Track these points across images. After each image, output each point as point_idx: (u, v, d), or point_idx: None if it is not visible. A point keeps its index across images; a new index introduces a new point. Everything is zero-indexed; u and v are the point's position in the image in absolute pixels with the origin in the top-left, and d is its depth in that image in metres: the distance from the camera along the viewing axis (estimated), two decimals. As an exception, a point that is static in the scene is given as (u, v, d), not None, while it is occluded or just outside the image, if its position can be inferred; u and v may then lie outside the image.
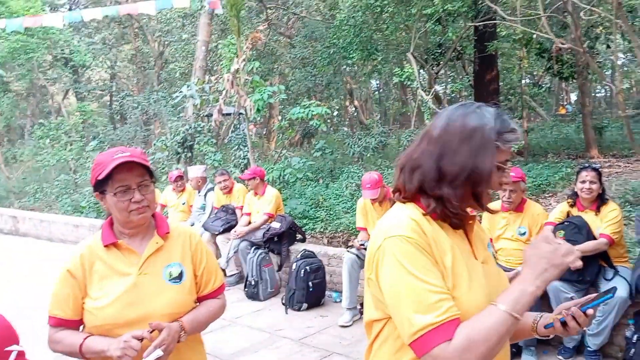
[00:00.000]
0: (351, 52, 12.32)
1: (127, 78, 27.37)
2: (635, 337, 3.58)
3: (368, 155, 11.86)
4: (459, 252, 1.30)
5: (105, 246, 1.80)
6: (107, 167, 1.69)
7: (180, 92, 8.45)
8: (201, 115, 11.92)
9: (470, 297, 1.24)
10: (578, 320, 1.26)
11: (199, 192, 7.27)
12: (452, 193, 1.29)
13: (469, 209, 1.38)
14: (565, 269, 1.22)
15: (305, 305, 5.34)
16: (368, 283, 1.36)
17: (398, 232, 1.26)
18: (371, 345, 1.41)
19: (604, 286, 3.75)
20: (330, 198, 9.30)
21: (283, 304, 5.48)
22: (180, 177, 7.46)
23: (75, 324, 1.80)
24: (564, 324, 1.28)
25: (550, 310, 3.80)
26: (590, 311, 1.26)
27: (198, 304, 1.93)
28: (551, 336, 1.35)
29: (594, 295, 1.35)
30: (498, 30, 12.23)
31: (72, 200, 12.57)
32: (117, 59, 25.65)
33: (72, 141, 15.21)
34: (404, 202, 1.38)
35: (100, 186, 1.75)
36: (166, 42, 21.78)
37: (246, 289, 5.92)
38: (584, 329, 1.28)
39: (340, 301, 5.18)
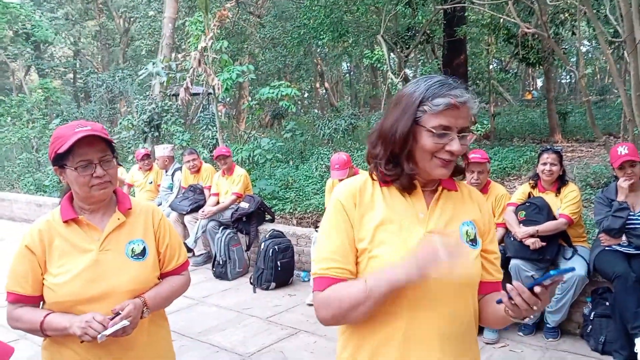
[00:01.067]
0: (322, 33, 12.26)
1: (92, 55, 26.67)
2: (592, 315, 3.71)
3: (338, 137, 11.89)
4: (396, 217, 1.38)
5: (65, 222, 1.76)
6: (67, 141, 1.65)
7: (146, 69, 8.27)
8: (168, 94, 11.71)
9: (392, 257, 1.32)
10: (523, 297, 1.22)
11: (166, 171, 7.17)
12: (380, 153, 1.40)
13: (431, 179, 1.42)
14: (421, 271, 1.24)
15: (273, 285, 5.37)
16: None
17: (336, 194, 1.44)
18: None
19: (563, 265, 3.88)
20: (300, 179, 9.32)
21: (251, 283, 5.49)
22: (147, 156, 7.34)
23: (34, 301, 1.76)
24: (511, 299, 1.25)
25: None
26: (537, 288, 1.21)
27: (161, 280, 1.91)
28: (527, 319, 1.34)
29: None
30: (467, 14, 12.32)
31: (35, 179, 12.26)
32: (81, 35, 24.96)
33: (34, 119, 14.78)
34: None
35: (60, 160, 1.71)
36: (132, 19, 21.28)
37: (214, 269, 5.90)
38: (535, 308, 1.23)
39: (309, 280, 5.22)
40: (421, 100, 1.32)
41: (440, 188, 1.44)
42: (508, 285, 1.26)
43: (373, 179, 1.44)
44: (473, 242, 1.43)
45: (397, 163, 1.38)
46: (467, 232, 1.43)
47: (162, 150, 7.11)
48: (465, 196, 1.50)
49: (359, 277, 1.37)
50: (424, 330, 1.35)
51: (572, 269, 1.31)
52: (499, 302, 1.30)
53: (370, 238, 1.36)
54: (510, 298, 1.25)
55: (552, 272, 1.21)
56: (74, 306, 1.69)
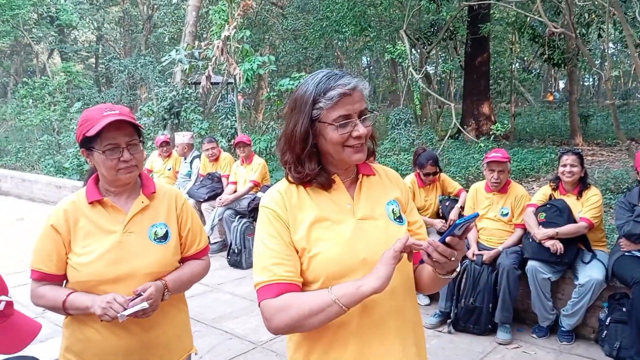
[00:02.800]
0: (344, 26, 12.22)
1: (114, 41, 26.87)
2: (608, 320, 3.67)
3: (356, 131, 11.84)
4: (326, 214, 1.41)
5: (90, 203, 1.79)
6: (96, 124, 1.67)
7: (169, 55, 8.32)
8: (189, 82, 11.77)
9: (331, 252, 1.36)
10: (438, 251, 1.26)
11: (184, 159, 7.23)
12: (290, 158, 1.42)
13: (340, 170, 1.46)
14: (387, 261, 1.27)
15: (287, 275, 5.38)
16: None
17: (262, 202, 1.45)
18: None
19: (581, 269, 3.84)
20: (316, 172, 9.31)
21: (265, 273, 5.51)
22: (166, 143, 7.39)
23: (58, 279, 1.79)
24: (430, 257, 1.29)
25: (529, 289, 3.90)
26: (448, 239, 1.25)
27: (181, 264, 1.94)
28: (453, 274, 1.36)
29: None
30: (492, 12, 12.19)
31: (55, 162, 12.41)
32: (105, 20, 25.14)
33: (56, 102, 14.95)
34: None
35: (88, 143, 1.73)
36: (155, 6, 21.36)
37: (229, 257, 5.95)
38: (453, 259, 1.27)
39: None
40: (314, 98, 1.36)
41: (360, 176, 1.49)
42: (423, 244, 1.30)
43: (291, 182, 1.45)
44: (399, 219, 1.49)
45: (302, 164, 1.41)
46: (392, 210, 1.49)
47: (182, 138, 7.15)
48: (383, 178, 1.55)
49: (306, 278, 1.38)
50: (376, 311, 1.38)
51: (477, 215, 1.34)
52: (421, 262, 1.38)
53: (306, 237, 1.38)
54: (429, 256, 1.29)
55: (458, 221, 1.24)
56: (97, 286, 1.73)
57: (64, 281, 1.82)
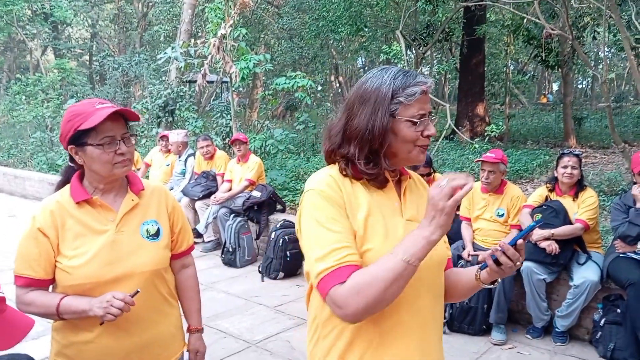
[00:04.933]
0: (340, 26, 12.20)
1: (108, 38, 26.74)
2: (602, 321, 3.68)
3: (350, 131, 11.83)
4: (378, 210, 1.36)
5: (77, 203, 1.72)
6: (91, 117, 1.62)
7: (165, 53, 8.28)
8: (184, 80, 11.73)
9: (383, 250, 1.28)
10: (508, 254, 1.27)
11: (179, 157, 7.20)
12: (355, 152, 1.36)
13: (394, 169, 1.44)
14: (451, 212, 1.21)
15: (281, 274, 5.37)
16: (298, 236, 1.42)
17: (313, 185, 1.36)
18: (309, 293, 1.49)
19: (576, 270, 3.85)
20: (310, 171, 9.30)
21: (260, 272, 5.50)
22: (166, 137, 7.38)
23: (46, 284, 1.72)
24: (496, 261, 1.30)
25: (523, 290, 3.90)
26: (520, 242, 1.26)
27: (187, 293, 2.01)
28: (496, 284, 1.38)
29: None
30: (487, 14, 12.22)
31: (48, 159, 12.32)
32: (99, 17, 24.99)
33: (49, 98, 14.83)
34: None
35: (79, 138, 1.67)
36: (150, 3, 21.28)
37: (223, 256, 5.92)
38: (517, 264, 1.28)
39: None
40: (393, 93, 1.33)
41: (404, 177, 1.48)
42: (493, 247, 1.31)
43: (344, 175, 1.39)
44: None
45: (377, 160, 1.36)
46: None
47: (176, 136, 7.12)
48: (417, 183, 1.54)
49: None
50: (421, 316, 1.37)
51: (542, 220, 1.37)
52: (484, 267, 1.36)
53: (363, 228, 1.32)
54: (495, 260, 1.29)
55: (531, 225, 1.27)
56: (95, 288, 1.67)
57: (51, 286, 1.75)
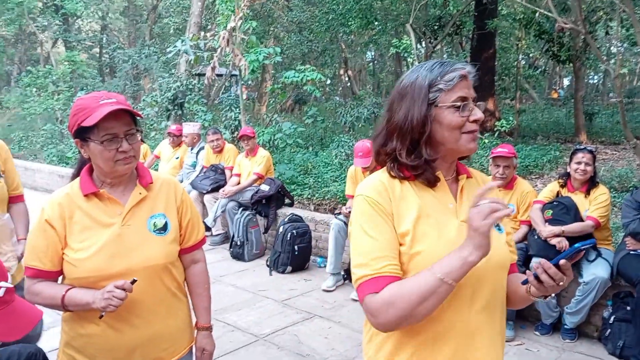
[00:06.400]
0: (349, 19, 12.15)
1: (119, 31, 26.80)
2: (612, 318, 3.66)
3: (359, 125, 11.81)
4: (430, 211, 1.34)
5: (85, 195, 1.72)
6: (93, 114, 1.61)
7: (175, 46, 8.28)
8: (193, 73, 11.73)
9: (435, 252, 1.28)
10: (549, 273, 1.24)
11: (191, 149, 7.23)
12: (397, 145, 1.37)
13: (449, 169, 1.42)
14: (487, 231, 1.19)
15: (289, 268, 5.38)
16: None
17: (361, 191, 1.37)
18: None
19: (586, 267, 3.82)
20: (319, 165, 9.29)
21: (267, 265, 5.51)
22: (173, 134, 7.43)
23: (53, 276, 1.72)
24: (537, 278, 1.26)
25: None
26: (562, 262, 1.22)
27: (198, 290, 2.00)
28: (548, 298, 1.33)
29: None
30: (499, 8, 12.11)
31: (58, 151, 12.40)
32: (109, 10, 25.04)
33: (59, 91, 14.91)
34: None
35: (83, 133, 1.66)
36: (160, -4, 21.26)
37: (231, 249, 5.94)
38: (561, 284, 1.24)
39: (325, 266, 5.22)
40: (430, 82, 1.33)
41: (461, 176, 1.44)
42: (534, 263, 1.27)
43: (392, 176, 1.38)
44: (498, 226, 1.43)
45: (419, 151, 1.35)
46: None
47: (191, 128, 7.16)
48: (480, 182, 1.50)
49: (405, 274, 1.31)
50: (478, 320, 1.33)
51: (594, 241, 1.32)
52: (525, 282, 1.31)
53: (412, 232, 1.31)
54: (536, 277, 1.26)
55: (577, 245, 1.21)
56: (98, 282, 1.66)
57: (60, 277, 1.76)
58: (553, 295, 1.31)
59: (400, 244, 1.32)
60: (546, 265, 1.23)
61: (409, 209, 1.33)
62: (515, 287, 1.43)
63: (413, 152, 1.35)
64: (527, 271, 1.29)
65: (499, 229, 1.43)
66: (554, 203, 3.98)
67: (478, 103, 1.36)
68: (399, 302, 1.23)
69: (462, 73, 1.33)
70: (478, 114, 1.34)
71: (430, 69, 1.35)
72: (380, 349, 1.40)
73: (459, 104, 1.32)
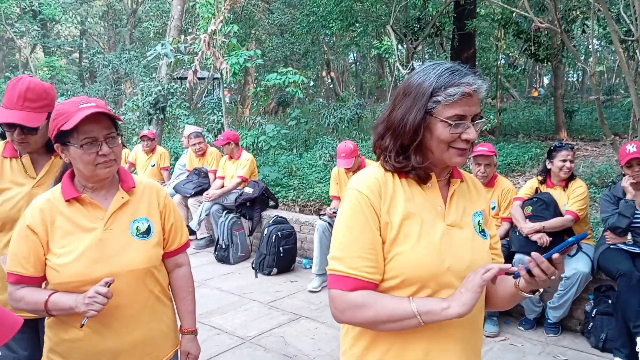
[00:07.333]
0: (330, 21, 12.19)
1: (98, 35, 26.57)
2: (594, 312, 3.71)
3: (343, 126, 11.85)
4: (418, 211, 1.34)
5: (67, 200, 1.71)
6: (72, 118, 1.60)
7: (155, 49, 8.23)
8: (175, 77, 11.66)
9: (415, 253, 1.30)
10: (542, 267, 1.23)
11: (187, 150, 7.25)
12: (389, 145, 1.37)
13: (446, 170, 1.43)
14: (475, 289, 1.25)
15: (275, 270, 5.38)
16: None
17: (355, 185, 1.36)
18: None
19: (567, 262, 3.87)
20: (303, 167, 9.31)
21: (253, 268, 5.50)
22: (148, 137, 7.28)
23: (37, 281, 1.72)
24: (529, 272, 1.26)
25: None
26: (555, 256, 1.22)
27: (182, 294, 1.98)
28: (537, 294, 1.32)
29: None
30: (478, 9, 12.24)
31: (38, 157, 12.24)
32: (88, 14, 24.81)
33: (39, 97, 14.71)
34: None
35: (63, 137, 1.66)
36: (140, 0, 21.13)
37: (216, 253, 5.92)
38: (552, 277, 1.24)
39: (310, 267, 5.23)
40: (433, 90, 1.30)
41: (454, 180, 1.44)
42: (526, 257, 1.27)
43: (386, 170, 1.39)
44: (483, 232, 1.44)
45: (407, 156, 1.36)
46: (479, 222, 1.44)
47: (191, 129, 7.18)
48: (471, 186, 1.50)
49: (385, 275, 1.33)
50: (450, 321, 1.33)
51: (586, 234, 1.34)
52: (517, 276, 1.31)
53: (397, 231, 1.32)
54: (528, 271, 1.26)
55: (570, 239, 1.22)
56: (81, 287, 1.65)
57: (44, 283, 1.75)
58: (541, 290, 1.31)
59: (383, 242, 1.33)
60: (539, 259, 1.23)
61: (398, 209, 1.34)
62: (502, 288, 1.43)
63: (401, 154, 1.36)
64: (520, 265, 1.29)
65: (484, 235, 1.44)
66: (533, 199, 4.04)
67: (477, 121, 1.33)
68: (367, 310, 1.28)
69: (466, 91, 1.28)
70: (471, 134, 1.31)
71: (440, 74, 1.31)
72: (355, 344, 1.41)
73: (452, 122, 1.30)
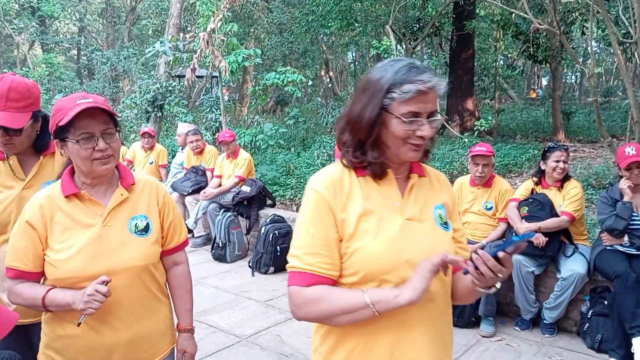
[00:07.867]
0: (330, 21, 12.16)
1: (97, 32, 26.50)
2: (590, 313, 3.72)
3: (341, 126, 11.82)
4: (375, 208, 1.37)
5: (66, 197, 1.72)
6: (69, 113, 1.61)
7: (153, 47, 8.22)
8: (173, 75, 11.65)
9: (372, 249, 1.32)
10: (488, 265, 1.24)
11: (182, 149, 7.23)
12: (348, 140, 1.40)
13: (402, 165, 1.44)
14: (425, 275, 1.26)
15: (272, 269, 5.38)
16: None
17: (312, 184, 1.40)
18: None
19: (563, 262, 3.89)
20: (301, 166, 9.30)
21: (250, 266, 5.50)
22: (149, 135, 7.31)
23: (35, 277, 1.72)
24: (477, 268, 1.27)
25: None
26: (501, 254, 1.22)
27: (180, 292, 1.99)
28: (493, 290, 1.32)
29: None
30: (477, 9, 12.25)
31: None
32: (87, 11, 24.76)
33: (37, 93, 14.69)
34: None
35: (61, 133, 1.66)
36: (139, -3, 21.10)
37: (213, 251, 5.92)
38: (500, 275, 1.25)
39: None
40: (389, 87, 1.32)
41: (412, 175, 1.46)
42: (473, 255, 1.28)
43: (345, 166, 1.42)
44: (445, 224, 1.46)
45: (364, 150, 1.38)
46: (440, 215, 1.46)
47: (185, 127, 7.17)
48: (433, 180, 1.52)
49: (344, 270, 1.35)
50: (411, 313, 1.35)
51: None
52: (466, 272, 1.31)
53: (353, 229, 1.34)
54: (476, 268, 1.27)
55: (514, 238, 1.22)
56: (78, 283, 1.66)
57: (42, 278, 1.76)
58: (497, 286, 1.31)
59: (341, 240, 1.35)
60: (485, 257, 1.24)
61: (354, 206, 1.36)
62: (459, 283, 1.46)
63: (359, 150, 1.38)
64: (468, 261, 1.30)
65: (446, 227, 1.46)
66: (530, 200, 4.05)
67: (433, 119, 1.34)
68: (322, 304, 1.30)
69: (421, 88, 1.29)
70: (426, 130, 1.32)
71: (397, 71, 1.32)
72: (325, 340, 1.43)
73: (406, 119, 1.31)
